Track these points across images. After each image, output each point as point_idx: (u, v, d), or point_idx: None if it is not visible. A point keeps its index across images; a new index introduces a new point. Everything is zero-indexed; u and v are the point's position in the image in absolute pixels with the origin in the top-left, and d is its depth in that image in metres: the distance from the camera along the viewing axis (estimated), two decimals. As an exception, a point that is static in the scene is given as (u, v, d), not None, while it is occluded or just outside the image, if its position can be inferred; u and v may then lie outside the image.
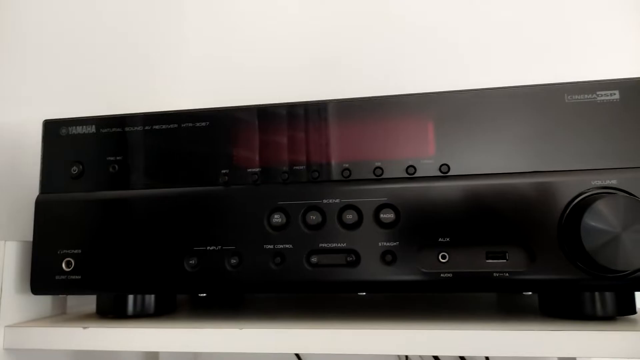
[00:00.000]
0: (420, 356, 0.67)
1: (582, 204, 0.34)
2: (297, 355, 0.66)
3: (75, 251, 0.41)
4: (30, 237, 0.43)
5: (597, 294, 0.37)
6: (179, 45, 0.76)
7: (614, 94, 0.36)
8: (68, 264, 0.41)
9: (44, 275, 0.42)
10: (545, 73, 0.67)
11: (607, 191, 0.35)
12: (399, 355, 0.67)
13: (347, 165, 0.39)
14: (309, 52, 0.74)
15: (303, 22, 0.76)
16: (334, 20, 0.75)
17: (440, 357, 0.65)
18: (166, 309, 0.46)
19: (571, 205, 0.35)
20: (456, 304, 0.49)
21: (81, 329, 0.40)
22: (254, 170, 0.41)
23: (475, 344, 0.35)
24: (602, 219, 0.33)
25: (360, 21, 0.74)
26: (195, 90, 0.75)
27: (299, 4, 0.76)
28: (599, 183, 0.35)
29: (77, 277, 0.41)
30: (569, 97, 0.37)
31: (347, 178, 0.39)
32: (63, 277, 0.41)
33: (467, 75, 0.69)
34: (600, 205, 0.33)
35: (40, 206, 0.43)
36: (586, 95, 0.36)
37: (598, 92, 0.36)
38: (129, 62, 0.70)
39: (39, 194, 0.44)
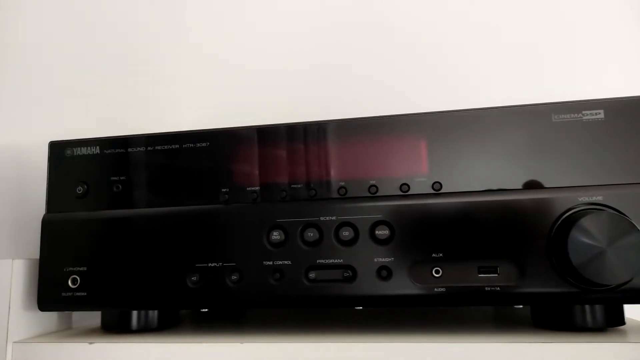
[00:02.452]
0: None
1: (570, 220, 0.35)
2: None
3: (81, 268, 0.43)
4: (36, 255, 0.44)
5: (587, 306, 0.38)
6: (179, 50, 0.78)
7: (599, 113, 0.37)
8: (74, 281, 0.43)
9: (50, 292, 0.43)
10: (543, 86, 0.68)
11: (594, 207, 0.36)
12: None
13: (343, 184, 0.41)
14: (309, 56, 0.76)
15: (304, 26, 0.77)
16: (333, 26, 0.77)
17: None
18: (169, 324, 0.47)
19: (559, 221, 0.36)
20: (450, 316, 0.50)
21: (87, 344, 0.41)
22: (253, 188, 0.42)
23: (469, 356, 0.36)
24: (588, 235, 0.34)
25: (360, 28, 0.76)
26: (195, 96, 0.77)
27: (300, 9, 0.77)
28: (585, 199, 0.36)
29: (82, 293, 0.42)
30: (555, 116, 0.38)
31: (344, 196, 0.40)
32: (69, 293, 0.43)
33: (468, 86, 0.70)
34: (587, 222, 0.34)
35: (47, 225, 0.44)
36: (572, 115, 0.38)
37: (584, 112, 0.38)
38: (130, 68, 0.71)
39: (45, 213, 0.45)
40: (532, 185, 0.38)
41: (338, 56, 0.75)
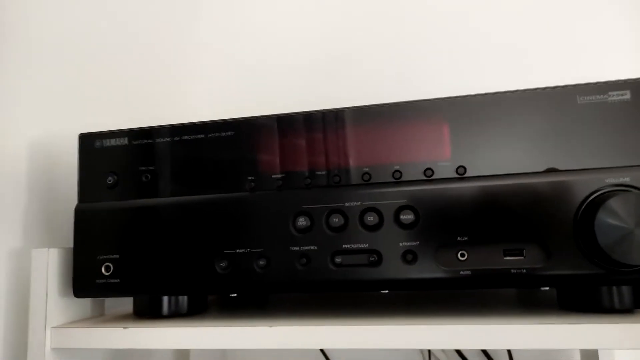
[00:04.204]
0: (443, 350, 0.69)
1: (596, 202, 0.35)
2: (322, 350, 0.69)
3: (114, 256, 0.44)
4: (70, 244, 0.46)
5: (614, 287, 0.38)
6: (195, 47, 0.79)
7: (625, 93, 0.37)
8: (107, 268, 0.44)
9: (85, 279, 0.45)
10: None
11: (621, 188, 0.36)
12: (421, 350, 0.69)
13: (367, 170, 0.41)
14: (322, 50, 0.76)
15: (316, 21, 0.78)
16: (347, 19, 0.77)
17: (462, 351, 0.66)
18: (198, 309, 0.48)
19: (585, 203, 0.36)
20: (476, 300, 0.51)
21: (122, 329, 0.43)
22: (278, 176, 0.43)
23: (498, 338, 0.37)
24: (615, 216, 0.34)
25: (373, 21, 0.76)
26: (212, 88, 0.78)
27: (313, 4, 0.78)
28: (612, 181, 0.36)
29: (116, 280, 0.44)
30: (581, 98, 0.38)
31: (367, 182, 0.41)
32: (103, 280, 0.44)
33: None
34: (614, 203, 0.34)
35: (79, 215, 0.46)
36: (598, 96, 0.38)
37: (609, 93, 0.37)
38: (149, 65, 0.72)
39: (77, 203, 0.46)
40: (557, 168, 0.38)
41: (351, 48, 0.75)
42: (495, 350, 0.67)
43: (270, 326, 0.40)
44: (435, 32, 0.73)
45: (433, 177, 0.40)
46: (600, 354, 0.58)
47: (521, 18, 0.72)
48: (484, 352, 0.67)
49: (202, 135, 0.45)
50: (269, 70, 0.77)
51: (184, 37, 0.78)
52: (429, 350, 0.68)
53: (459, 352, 0.67)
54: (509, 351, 0.65)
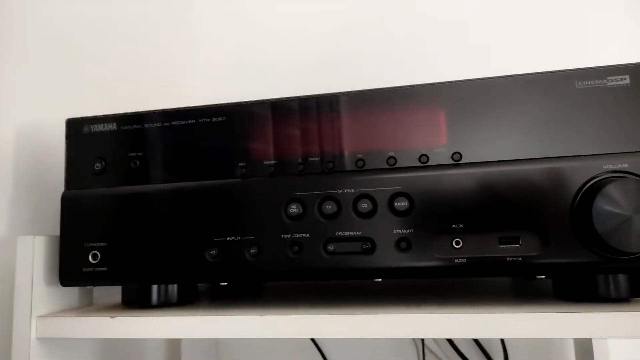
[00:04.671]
0: (435, 341, 0.68)
1: (594, 188, 0.35)
2: (313, 340, 0.68)
3: (101, 244, 0.43)
4: (56, 232, 0.45)
5: (610, 276, 0.37)
6: (192, 40, 0.78)
7: (625, 78, 0.36)
8: (94, 256, 0.43)
9: (71, 268, 0.44)
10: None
11: (619, 175, 0.35)
12: (414, 340, 0.69)
13: (360, 156, 0.40)
14: (323, 45, 0.75)
15: (318, 16, 0.77)
16: (351, 14, 0.76)
17: (455, 342, 0.66)
18: (188, 299, 0.47)
19: (583, 190, 0.36)
20: (470, 289, 0.50)
21: (109, 318, 0.42)
22: (270, 162, 0.42)
23: (491, 327, 0.36)
24: (613, 203, 0.34)
25: (378, 18, 0.75)
26: (210, 85, 0.77)
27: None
28: (610, 167, 0.36)
29: (103, 269, 0.43)
30: (579, 82, 0.37)
31: (361, 168, 0.40)
32: (90, 269, 0.43)
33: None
34: (612, 189, 0.34)
35: (66, 202, 0.45)
36: (596, 81, 0.37)
37: (608, 78, 0.37)
38: (148, 60, 0.71)
39: (64, 190, 0.45)
40: (550, 154, 0.37)
41: (354, 44, 0.74)
42: (488, 341, 0.66)
43: (261, 315, 0.39)
44: (442, 30, 0.72)
45: (428, 164, 0.39)
46: (594, 344, 0.58)
47: (526, 11, 0.71)
48: (476, 342, 0.66)
49: (193, 121, 0.44)
50: (268, 65, 0.76)
51: (182, 29, 0.77)
52: (422, 340, 0.68)
53: (451, 342, 0.67)
54: (502, 341, 0.65)
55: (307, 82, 0.75)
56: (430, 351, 0.69)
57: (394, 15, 0.75)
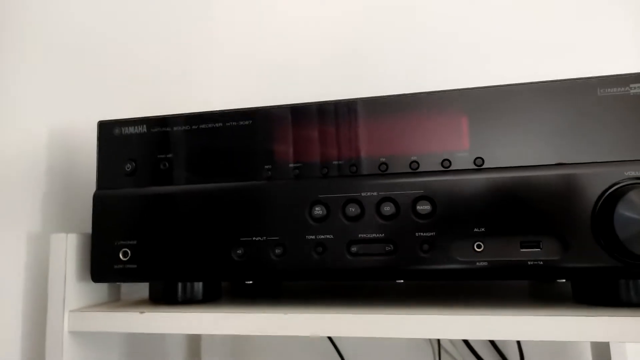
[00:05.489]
0: (451, 341, 0.69)
1: (616, 194, 0.35)
2: (330, 339, 0.69)
3: (131, 242, 0.45)
4: (88, 230, 0.46)
5: (630, 281, 0.38)
6: (210, 45, 0.79)
7: (647, 86, 0.37)
8: (125, 254, 0.45)
9: (103, 265, 0.45)
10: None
11: (640, 182, 0.36)
12: (430, 340, 0.69)
13: (384, 160, 0.41)
14: (340, 47, 0.76)
15: (333, 18, 0.78)
16: (366, 14, 0.77)
17: (471, 343, 0.67)
18: (213, 296, 0.49)
19: (605, 196, 0.36)
20: (488, 291, 0.51)
21: (138, 313, 0.43)
22: (295, 165, 0.43)
23: (506, 328, 0.37)
24: (635, 209, 0.34)
25: (394, 18, 0.76)
26: (227, 87, 0.78)
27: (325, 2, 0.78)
28: (632, 174, 0.36)
29: (133, 266, 0.45)
30: (601, 90, 0.38)
31: (384, 172, 0.41)
32: (120, 266, 0.45)
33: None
34: (634, 195, 0.34)
35: (98, 201, 0.46)
36: (619, 88, 0.37)
37: (631, 85, 0.37)
38: (169, 60, 0.73)
39: (96, 189, 0.47)
40: (572, 160, 0.38)
41: (370, 45, 0.75)
42: (504, 342, 0.67)
43: (285, 313, 0.41)
44: (461, 30, 0.73)
45: (450, 168, 0.40)
46: (612, 348, 0.58)
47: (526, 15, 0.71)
48: (492, 343, 0.67)
49: (220, 124, 0.45)
50: (286, 67, 0.77)
51: (200, 32, 0.79)
52: (438, 340, 0.68)
53: (467, 343, 0.67)
54: (518, 343, 0.65)
55: (325, 80, 0.75)
56: (446, 351, 0.69)
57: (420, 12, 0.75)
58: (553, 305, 0.41)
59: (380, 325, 0.39)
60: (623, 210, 0.34)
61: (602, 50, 0.69)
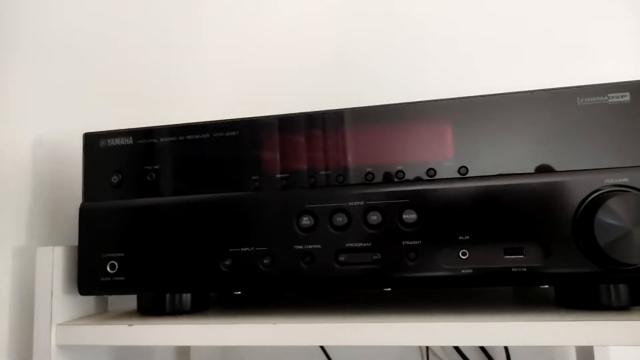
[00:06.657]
0: (441, 347, 0.69)
1: (596, 202, 0.36)
2: (322, 348, 0.69)
3: (119, 254, 0.45)
4: (74, 242, 0.46)
5: (611, 285, 0.39)
6: (198, 49, 0.79)
7: (625, 95, 0.38)
8: (112, 266, 0.45)
9: (90, 277, 0.45)
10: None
11: (619, 189, 0.37)
12: (420, 347, 0.70)
13: (370, 169, 0.42)
14: (328, 53, 0.77)
15: (322, 22, 0.78)
16: (354, 20, 0.77)
17: (461, 349, 0.67)
18: (201, 307, 0.49)
19: (585, 203, 0.37)
20: (474, 298, 0.51)
21: (127, 326, 0.43)
22: (282, 175, 0.43)
23: (495, 334, 0.37)
24: (614, 216, 0.35)
25: (374, 23, 0.76)
26: (217, 93, 0.78)
27: (314, 7, 0.78)
28: (611, 181, 0.37)
29: (120, 278, 0.44)
30: (581, 99, 0.39)
31: (371, 181, 0.42)
32: (108, 278, 0.45)
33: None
34: (613, 203, 0.35)
35: (84, 213, 0.46)
36: (598, 98, 0.38)
37: (609, 95, 0.38)
38: (156, 67, 0.73)
39: (82, 201, 0.47)
40: (554, 168, 0.39)
41: (358, 50, 0.76)
42: (492, 348, 0.68)
43: (274, 324, 0.41)
44: (446, 35, 0.74)
45: (435, 177, 0.40)
46: (596, 351, 0.59)
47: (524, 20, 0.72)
48: (482, 349, 0.68)
49: (207, 135, 0.45)
50: (273, 72, 0.78)
51: (189, 37, 0.79)
52: (427, 347, 0.69)
53: (457, 349, 0.68)
54: (506, 348, 0.66)
55: (314, 85, 0.76)
56: (435, 355, 0.70)
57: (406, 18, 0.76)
58: (538, 310, 0.41)
59: (370, 333, 0.39)
60: (603, 217, 0.35)
61: (602, 54, 0.70)
